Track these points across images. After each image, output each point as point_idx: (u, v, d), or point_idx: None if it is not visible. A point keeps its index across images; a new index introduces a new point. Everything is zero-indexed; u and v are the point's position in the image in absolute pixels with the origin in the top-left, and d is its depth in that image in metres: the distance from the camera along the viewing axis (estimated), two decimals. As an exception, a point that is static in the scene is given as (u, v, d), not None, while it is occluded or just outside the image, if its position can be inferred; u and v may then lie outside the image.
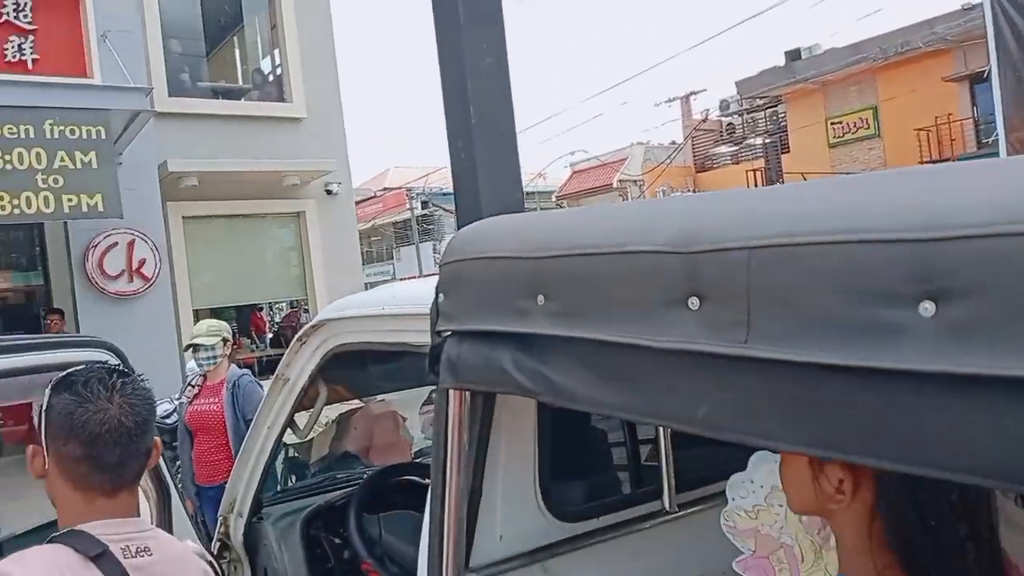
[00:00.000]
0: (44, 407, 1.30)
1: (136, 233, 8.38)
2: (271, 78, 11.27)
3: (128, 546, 1.30)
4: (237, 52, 11.88)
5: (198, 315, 9.95)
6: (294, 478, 4.20)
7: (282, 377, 2.08)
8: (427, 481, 2.47)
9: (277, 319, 13.86)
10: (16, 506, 6.03)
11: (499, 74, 1.82)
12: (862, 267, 0.68)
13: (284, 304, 13.43)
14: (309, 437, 2.57)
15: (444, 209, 27.86)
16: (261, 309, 12.95)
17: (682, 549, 1.56)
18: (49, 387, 1.32)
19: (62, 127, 6.97)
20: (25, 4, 7.48)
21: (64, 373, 1.35)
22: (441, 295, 1.32)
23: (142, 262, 8.46)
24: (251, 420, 3.70)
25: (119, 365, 1.39)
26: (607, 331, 0.95)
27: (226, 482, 3.91)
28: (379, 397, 3.95)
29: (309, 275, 10.90)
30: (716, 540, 1.28)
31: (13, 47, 7.43)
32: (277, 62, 11.03)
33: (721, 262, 0.80)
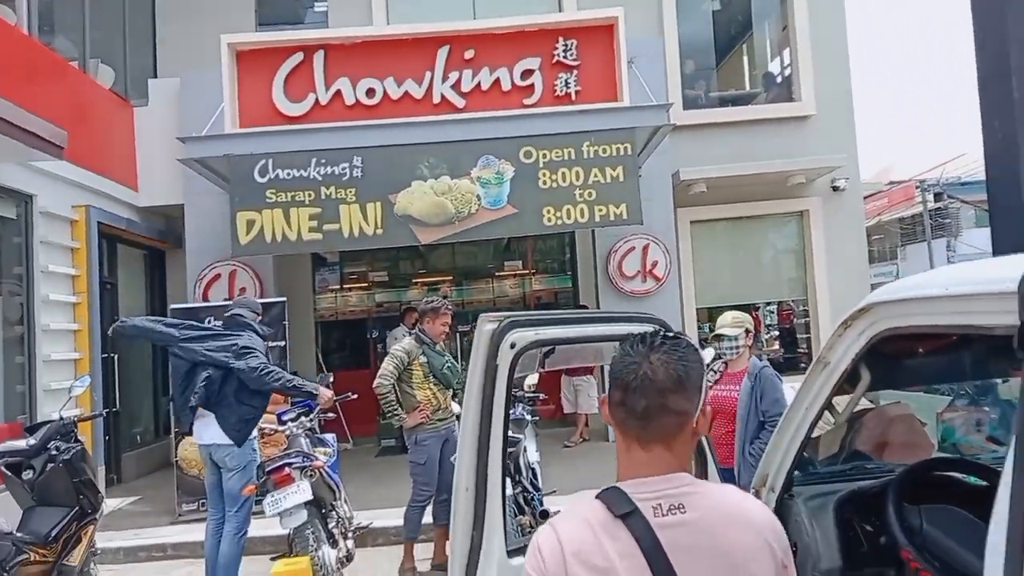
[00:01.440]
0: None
1: (650, 238, 9.21)
2: (779, 79, 11.29)
3: (660, 504, 1.36)
4: (745, 59, 12.18)
5: (699, 313, 10.56)
6: (797, 472, 4.26)
7: (823, 360, 2.14)
8: (971, 479, 2.29)
9: (767, 321, 13.77)
10: (555, 471, 7.23)
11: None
12: None
13: (775, 304, 13.32)
14: (840, 423, 2.60)
15: (963, 201, 24.52)
16: (757, 309, 13.12)
17: None
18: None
19: (596, 147, 7.93)
20: (572, 44, 8.75)
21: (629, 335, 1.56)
22: (1033, 271, 1.27)
23: (655, 264, 9.28)
24: (765, 410, 3.85)
25: (671, 332, 1.52)
26: None
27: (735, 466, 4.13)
28: (896, 399, 3.77)
29: (810, 275, 10.67)
30: None
31: (561, 83, 8.75)
32: (786, 63, 11.02)
33: None
